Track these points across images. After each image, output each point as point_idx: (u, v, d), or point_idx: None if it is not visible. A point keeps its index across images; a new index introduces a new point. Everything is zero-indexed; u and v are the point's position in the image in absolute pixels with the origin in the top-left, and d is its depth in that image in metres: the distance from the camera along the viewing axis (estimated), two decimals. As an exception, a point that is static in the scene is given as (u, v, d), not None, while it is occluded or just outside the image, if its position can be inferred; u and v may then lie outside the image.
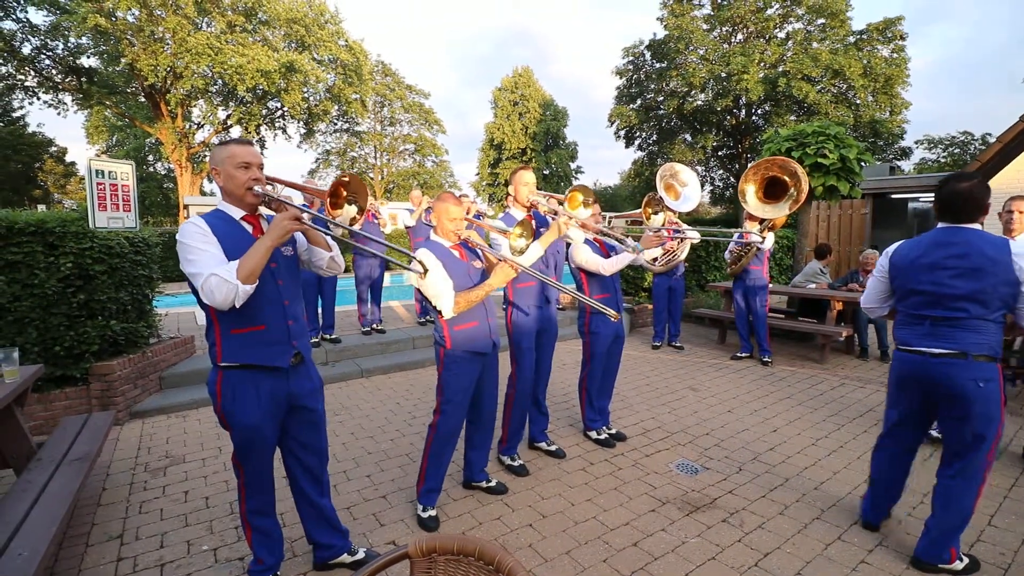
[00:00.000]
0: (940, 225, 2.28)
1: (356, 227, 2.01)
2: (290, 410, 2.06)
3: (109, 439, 3.73)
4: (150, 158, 31.10)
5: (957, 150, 24.38)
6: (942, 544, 2.26)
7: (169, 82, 18.93)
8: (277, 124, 23.80)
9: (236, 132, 23.09)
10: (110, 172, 4.31)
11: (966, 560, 2.29)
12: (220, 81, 19.59)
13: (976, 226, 2.20)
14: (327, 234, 2.12)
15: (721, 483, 3.10)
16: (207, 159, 24.01)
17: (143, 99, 20.93)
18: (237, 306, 1.76)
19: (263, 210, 2.02)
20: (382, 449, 3.57)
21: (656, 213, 3.34)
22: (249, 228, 1.94)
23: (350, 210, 2.00)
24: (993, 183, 8.02)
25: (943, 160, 24.45)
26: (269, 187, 2.01)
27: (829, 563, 2.36)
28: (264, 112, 22.38)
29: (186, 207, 18.91)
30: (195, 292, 1.79)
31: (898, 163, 23.92)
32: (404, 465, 3.32)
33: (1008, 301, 2.12)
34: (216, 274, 1.70)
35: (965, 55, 70.25)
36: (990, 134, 22.51)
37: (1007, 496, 2.94)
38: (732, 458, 3.44)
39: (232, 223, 1.92)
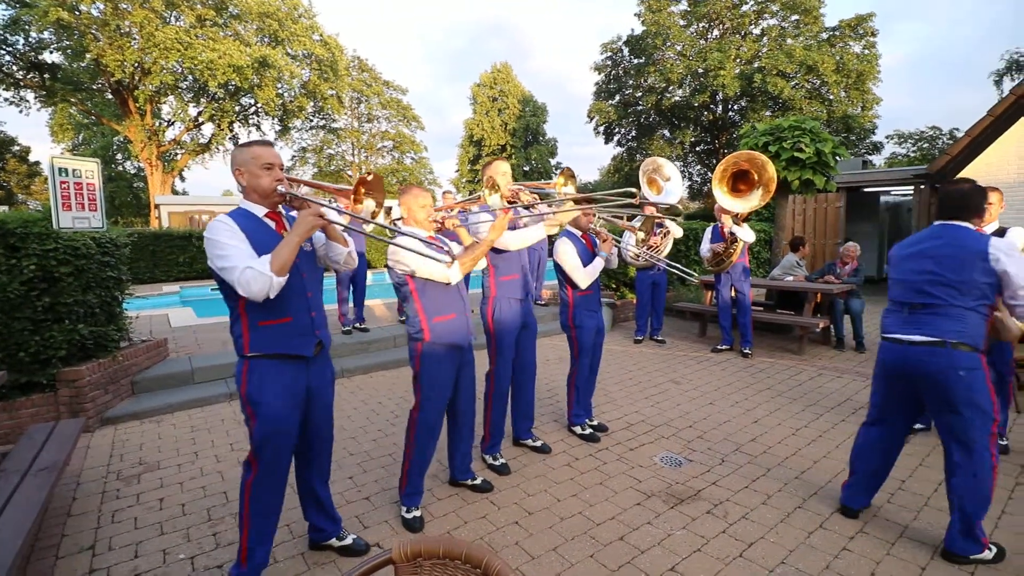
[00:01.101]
0: (936, 222, 2.39)
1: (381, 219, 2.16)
2: (309, 400, 2.15)
3: (79, 447, 3.60)
4: (119, 157, 30.20)
5: (926, 144, 25.05)
6: (969, 534, 2.25)
7: (137, 78, 18.40)
8: (251, 121, 23.33)
9: (208, 130, 22.56)
10: (74, 170, 4.15)
11: (995, 549, 2.28)
12: (190, 77, 19.13)
13: (968, 225, 2.30)
14: (351, 228, 2.27)
15: (705, 475, 3.13)
16: (178, 157, 23.44)
17: (110, 96, 20.31)
18: (271, 296, 1.86)
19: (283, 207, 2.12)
20: (364, 450, 3.52)
21: (642, 229, 3.37)
22: (272, 224, 2.04)
23: (368, 205, 2.11)
24: (963, 175, 8.27)
25: (912, 154, 25.11)
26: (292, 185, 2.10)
27: (812, 551, 2.39)
28: (237, 109, 21.92)
29: (157, 207, 18.41)
30: (221, 286, 1.92)
31: (870, 157, 24.51)
32: (387, 466, 3.27)
33: (987, 292, 2.18)
34: (251, 267, 1.80)
35: (933, 52, 72.34)
36: (957, 129, 23.18)
37: (1011, 497, 3.01)
38: (715, 450, 3.47)
39: (256, 220, 2.00)
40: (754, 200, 4.08)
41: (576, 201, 3.10)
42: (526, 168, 32.50)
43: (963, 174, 8.24)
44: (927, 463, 3.24)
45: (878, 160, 25.53)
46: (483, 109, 32.84)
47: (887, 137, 26.15)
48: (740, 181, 4.20)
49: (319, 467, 2.33)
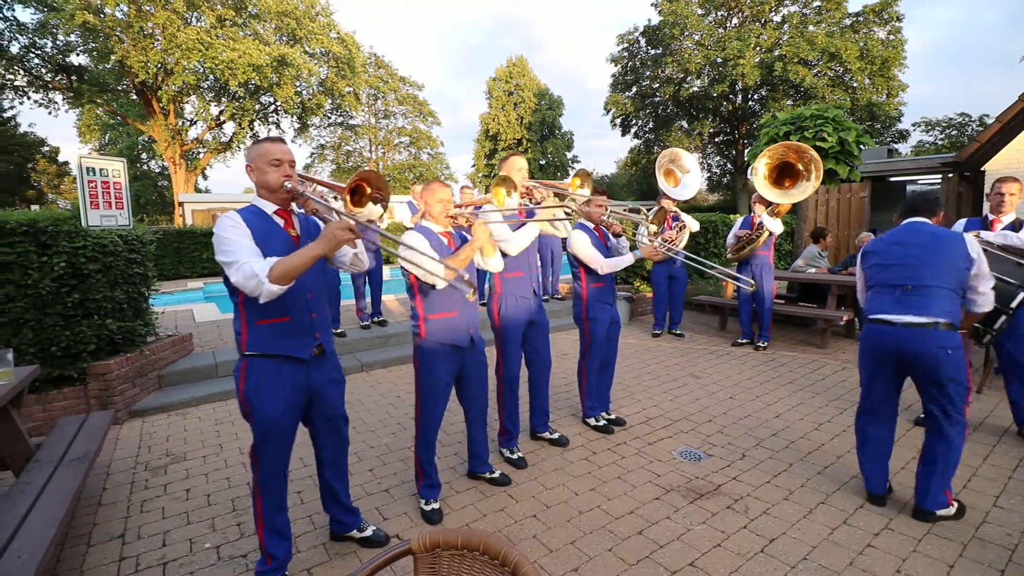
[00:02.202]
0: (906, 221, 2.67)
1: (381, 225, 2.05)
2: (312, 401, 2.15)
3: (109, 438, 3.71)
4: (143, 156, 30.91)
5: (955, 132, 24.26)
6: (940, 491, 2.49)
7: (160, 79, 18.76)
8: (271, 119, 23.65)
9: (229, 128, 22.92)
10: (101, 170, 4.26)
11: (956, 504, 2.54)
12: (212, 77, 19.44)
13: (932, 223, 2.62)
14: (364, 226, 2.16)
15: (725, 469, 3.09)
16: (201, 155, 23.88)
17: (134, 96, 20.77)
18: (261, 301, 1.83)
19: (294, 205, 2.10)
20: (384, 443, 3.56)
21: (655, 223, 3.27)
22: (281, 222, 2.03)
23: (375, 209, 2.02)
24: (992, 164, 7.99)
25: (940, 142, 24.35)
26: (302, 184, 2.08)
27: (835, 547, 2.35)
28: (257, 107, 22.22)
29: (181, 204, 18.78)
30: (225, 280, 1.92)
31: (895, 146, 23.82)
32: (406, 459, 3.30)
33: (963, 277, 2.45)
34: (251, 266, 1.78)
35: (960, 36, 69.85)
36: (987, 115, 22.40)
37: (1011, 477, 2.94)
38: (735, 444, 3.43)
39: (265, 217, 2.00)
40: (799, 194, 3.96)
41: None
42: (542, 162, 32.36)
43: (992, 162, 7.96)
44: (956, 459, 3.15)
45: (904, 149, 24.81)
46: (499, 103, 32.75)
47: (914, 125, 25.40)
48: (784, 173, 4.07)
49: (334, 466, 2.33)
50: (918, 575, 2.16)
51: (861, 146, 6.48)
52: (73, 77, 19.17)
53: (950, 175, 9.06)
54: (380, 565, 1.20)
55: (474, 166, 35.13)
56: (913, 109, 38.20)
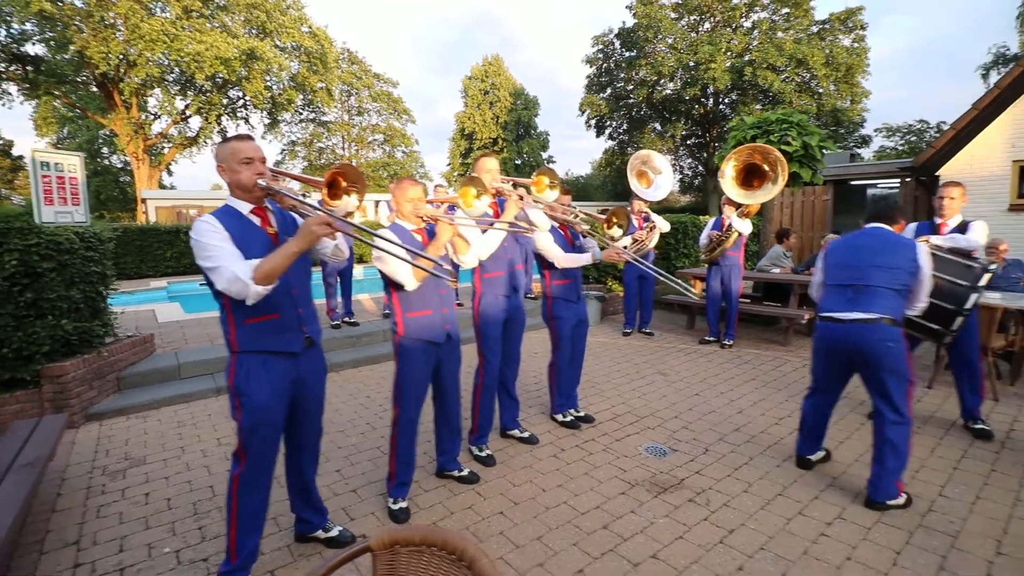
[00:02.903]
0: (867, 225, 2.87)
1: (355, 219, 2.10)
2: (298, 392, 2.16)
3: (64, 443, 3.58)
4: (104, 150, 29.75)
5: (914, 138, 25.27)
6: (891, 482, 2.64)
7: (122, 71, 18.11)
8: (239, 114, 23.03)
9: (195, 123, 22.28)
10: (56, 164, 4.10)
11: (905, 496, 2.69)
12: (177, 69, 18.84)
13: (892, 229, 2.80)
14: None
15: (689, 464, 3.17)
16: (165, 150, 23.16)
17: (95, 89, 19.95)
18: (249, 304, 1.86)
19: (270, 201, 2.11)
20: (352, 443, 3.53)
21: (619, 226, 3.30)
22: (257, 221, 2.03)
23: (350, 201, 2.02)
24: (946, 169, 8.36)
25: (901, 148, 25.32)
26: (276, 180, 2.07)
27: (791, 537, 2.44)
28: (225, 102, 21.65)
29: (144, 201, 18.19)
30: (210, 284, 1.91)
31: (858, 151, 24.67)
32: (375, 459, 3.29)
33: (908, 280, 2.64)
34: (234, 271, 1.80)
35: (923, 45, 72.68)
36: (944, 122, 23.40)
37: (956, 467, 3.09)
38: (699, 439, 3.51)
39: (241, 217, 2.00)
40: (765, 195, 4.06)
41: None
42: (517, 162, 32.40)
43: (947, 167, 8.33)
44: (906, 451, 3.30)
45: (867, 153, 25.72)
46: (474, 102, 32.66)
47: (876, 130, 26.38)
48: (752, 175, 4.16)
49: (310, 457, 2.35)
50: (867, 562, 2.26)
51: (823, 150, 6.69)
52: (29, 67, 18.31)
53: (907, 179, 9.44)
54: (337, 564, 1.20)
55: (449, 165, 34.97)
56: (878, 115, 39.73)
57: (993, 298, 4.25)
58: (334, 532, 2.43)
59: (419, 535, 1.19)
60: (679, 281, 3.35)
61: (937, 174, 8.51)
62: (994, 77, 21.96)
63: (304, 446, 2.32)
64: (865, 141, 25.58)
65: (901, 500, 2.66)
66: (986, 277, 3.07)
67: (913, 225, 3.83)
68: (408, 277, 2.47)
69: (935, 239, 3.49)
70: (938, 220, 3.63)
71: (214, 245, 1.85)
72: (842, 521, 2.56)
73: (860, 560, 2.27)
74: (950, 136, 8.27)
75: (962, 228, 3.52)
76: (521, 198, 2.93)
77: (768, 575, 2.18)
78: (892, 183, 11.43)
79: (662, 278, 3.16)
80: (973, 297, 3.04)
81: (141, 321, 6.19)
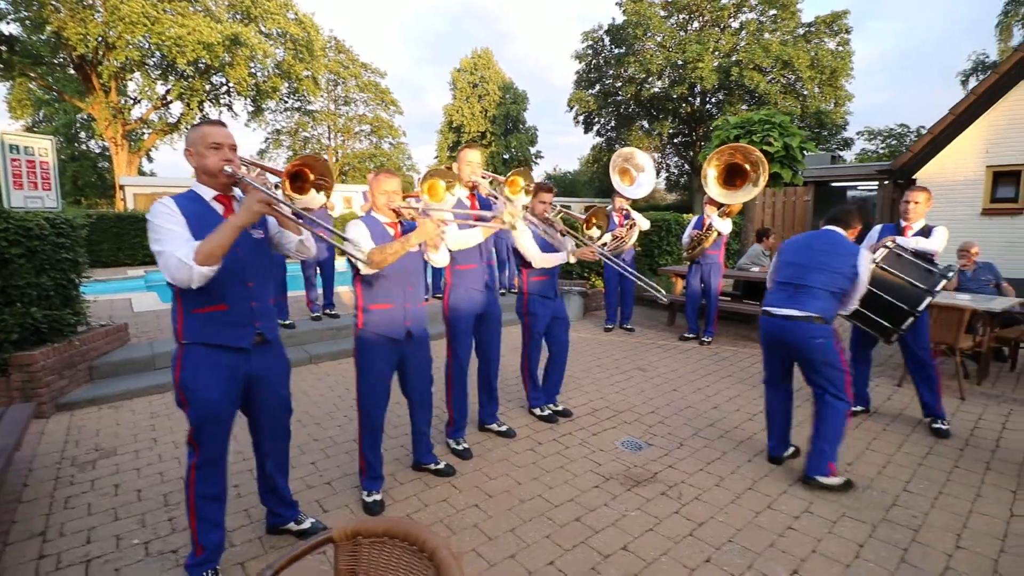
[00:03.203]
0: (823, 228, 3.01)
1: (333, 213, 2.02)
2: (253, 389, 2.11)
3: (33, 433, 3.51)
4: (82, 135, 28.98)
5: (894, 141, 25.71)
6: (821, 459, 2.79)
7: (101, 53, 17.63)
8: (222, 101, 22.58)
9: (177, 109, 21.82)
10: (26, 147, 3.99)
11: (843, 478, 2.81)
12: (158, 53, 18.41)
13: (843, 232, 2.94)
14: (297, 219, 2.12)
15: (663, 458, 3.22)
16: (145, 136, 22.66)
17: (72, 71, 19.42)
18: (194, 287, 1.81)
19: (237, 191, 2.05)
20: (328, 436, 3.51)
21: (598, 227, 3.32)
22: (220, 208, 1.98)
23: (317, 198, 1.99)
24: (922, 172, 8.54)
25: (881, 151, 25.76)
26: (244, 168, 2.05)
27: (759, 530, 2.49)
28: (208, 88, 21.20)
29: (122, 188, 17.78)
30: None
31: (841, 153, 25.03)
32: (351, 451, 3.28)
33: (845, 284, 2.79)
34: (176, 255, 1.75)
35: (909, 50, 73.85)
36: (924, 126, 23.83)
37: (921, 464, 3.17)
38: (674, 434, 3.56)
39: (202, 203, 1.95)
40: (745, 195, 4.11)
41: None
42: (506, 156, 32.32)
43: (924, 171, 8.51)
44: (873, 447, 3.38)
45: (849, 156, 26.12)
46: (463, 95, 32.45)
47: (858, 133, 26.77)
48: (734, 174, 4.20)
49: (275, 458, 2.31)
50: (831, 554, 2.31)
51: (804, 151, 6.80)
52: (3, 47, 17.73)
53: (886, 182, 9.62)
54: (299, 555, 1.20)
55: (437, 157, 34.75)
56: (861, 118, 40.25)
57: (962, 300, 4.37)
58: (306, 524, 2.42)
59: (382, 526, 1.20)
60: (649, 281, 3.41)
61: (914, 177, 8.69)
62: (973, 83, 22.43)
63: (270, 448, 2.27)
64: (848, 144, 25.98)
65: (835, 481, 2.79)
66: (943, 283, 3.16)
67: (879, 227, 3.92)
68: (365, 249, 2.35)
69: (901, 240, 3.57)
70: (903, 223, 3.72)
71: (165, 228, 1.81)
72: (809, 515, 2.62)
73: (824, 553, 2.32)
74: (927, 140, 8.44)
75: (925, 232, 3.61)
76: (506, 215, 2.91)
77: (735, 567, 2.22)
78: (871, 185, 11.64)
79: (631, 276, 3.21)
80: (927, 300, 3.14)
81: (116, 310, 6.07)
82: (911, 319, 3.15)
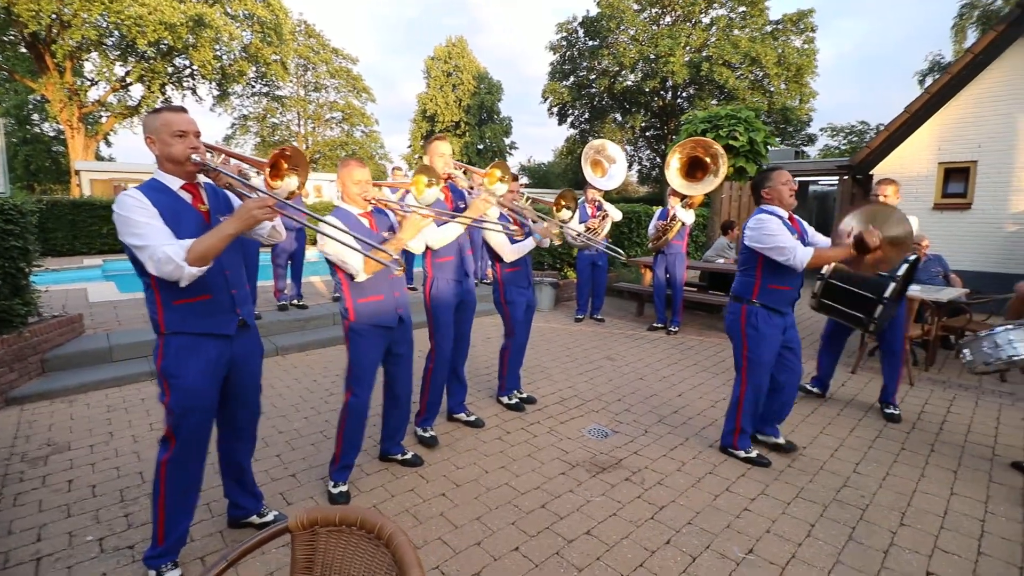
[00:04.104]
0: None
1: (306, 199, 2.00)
2: (232, 373, 2.11)
3: (-21, 428, 3.36)
4: (35, 117, 27.52)
5: (855, 138, 26.55)
6: (729, 432, 3.13)
7: (55, 31, 16.76)
8: (185, 84, 21.78)
9: (137, 91, 20.93)
10: (-32, 129, 3.78)
11: (753, 454, 3.09)
12: (117, 33, 17.57)
13: (768, 207, 2.99)
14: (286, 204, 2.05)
15: (628, 445, 3.29)
16: (103, 120, 21.70)
17: (24, 50, 18.40)
18: (182, 285, 1.79)
19: (201, 178, 2.01)
20: (294, 428, 3.47)
21: (567, 208, 3.35)
22: (188, 197, 1.93)
23: (290, 183, 1.96)
24: (879, 168, 8.85)
25: (843, 147, 26.57)
26: (209, 155, 2.00)
27: (717, 512, 2.57)
28: (170, 70, 20.40)
29: (78, 173, 17.04)
30: (132, 259, 1.84)
31: (805, 148, 25.74)
32: (317, 443, 3.25)
33: (749, 259, 2.94)
34: (166, 252, 1.72)
35: (872, 49, 76.03)
36: (883, 124, 24.64)
37: (871, 447, 3.32)
38: (639, 421, 3.64)
39: (170, 193, 1.89)
40: (706, 186, 4.20)
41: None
42: (480, 147, 32.11)
43: (880, 167, 8.82)
44: (827, 431, 3.53)
45: (813, 151, 26.87)
46: (437, 84, 32.02)
47: (821, 130, 27.58)
48: (694, 167, 4.30)
49: (245, 441, 2.30)
50: (784, 534, 2.41)
51: (768, 146, 6.96)
52: (-56, 22, 16.69)
53: (845, 177, 9.94)
54: (254, 545, 1.19)
55: (410, 147, 34.26)
56: (825, 115, 41.47)
57: (912, 291, 4.57)
58: (269, 517, 2.40)
59: (338, 515, 1.19)
60: (614, 247, 3.57)
61: (871, 173, 9.00)
62: (929, 83, 23.28)
63: (241, 429, 2.27)
64: (811, 140, 26.71)
65: (742, 455, 3.09)
66: (904, 267, 3.29)
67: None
68: (357, 265, 2.42)
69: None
70: None
71: (143, 222, 1.76)
72: (764, 497, 2.72)
73: (778, 532, 2.42)
74: (884, 137, 8.74)
75: None
76: (479, 202, 2.95)
77: (693, 548, 2.30)
78: (832, 180, 12.01)
79: (592, 244, 3.26)
80: (892, 286, 3.24)
81: (71, 300, 5.84)
82: (880, 307, 3.24)
